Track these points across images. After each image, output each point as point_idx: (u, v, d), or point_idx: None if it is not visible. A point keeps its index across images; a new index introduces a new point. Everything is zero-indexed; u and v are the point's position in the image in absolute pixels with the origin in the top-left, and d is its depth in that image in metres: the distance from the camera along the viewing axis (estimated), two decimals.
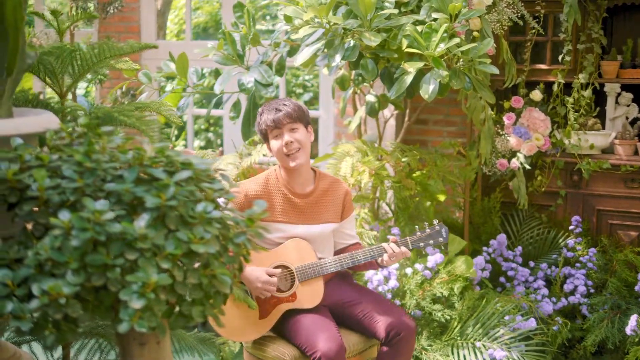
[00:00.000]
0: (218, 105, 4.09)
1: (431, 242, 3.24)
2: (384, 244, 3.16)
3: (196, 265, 1.62)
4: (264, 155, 4.22)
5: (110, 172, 1.63)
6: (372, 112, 4.44)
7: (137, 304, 1.47)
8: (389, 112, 4.94)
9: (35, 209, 1.60)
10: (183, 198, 1.60)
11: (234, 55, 4.00)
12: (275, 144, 3.14)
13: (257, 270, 3.05)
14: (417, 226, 3.33)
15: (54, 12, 2.21)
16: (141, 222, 1.54)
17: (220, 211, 1.66)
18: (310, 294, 3.13)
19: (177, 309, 1.62)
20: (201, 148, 8.20)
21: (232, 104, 4.05)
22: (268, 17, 8.17)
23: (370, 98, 4.43)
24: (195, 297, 1.62)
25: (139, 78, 3.94)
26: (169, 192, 1.58)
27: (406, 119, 4.87)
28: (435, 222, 3.28)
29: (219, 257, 1.66)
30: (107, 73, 5.51)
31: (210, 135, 8.25)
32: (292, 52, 4.14)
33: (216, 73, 4.16)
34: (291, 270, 3.13)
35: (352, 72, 4.45)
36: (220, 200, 1.75)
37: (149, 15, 6.03)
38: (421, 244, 3.24)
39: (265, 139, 3.19)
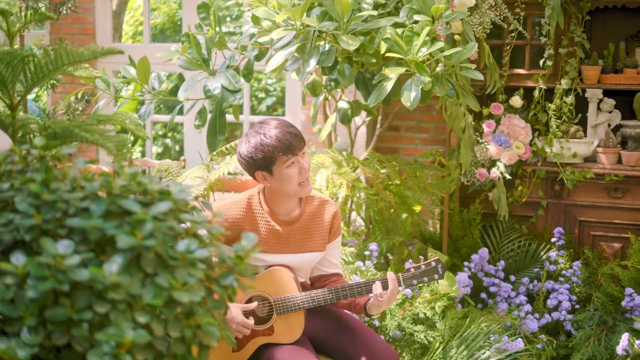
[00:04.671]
0: (180, 112, 3.82)
1: (425, 279, 2.90)
2: (375, 280, 2.83)
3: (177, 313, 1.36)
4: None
5: (73, 205, 1.36)
6: (345, 119, 4.21)
7: None
8: (360, 119, 4.72)
9: None
10: (162, 235, 1.33)
11: (199, 60, 3.73)
12: (288, 172, 2.74)
13: (233, 308, 2.75)
14: (410, 261, 3.01)
15: (3, 13, 1.93)
16: (113, 267, 1.27)
17: (205, 248, 1.40)
18: (288, 330, 2.85)
19: None
20: (158, 155, 7.89)
21: (198, 111, 3.78)
22: (228, 19, 7.89)
23: (343, 105, 4.20)
24: (176, 353, 1.36)
25: (96, 84, 3.62)
26: (146, 228, 1.31)
27: (378, 125, 4.66)
28: (431, 255, 2.96)
29: (204, 304, 1.41)
30: (60, 78, 5.18)
31: (167, 141, 7.93)
32: (260, 55, 3.89)
33: (180, 78, 3.88)
34: (269, 301, 2.85)
35: (324, 78, 4.21)
36: (202, 232, 1.49)
37: (105, 17, 5.71)
38: (414, 282, 2.90)
39: (266, 166, 2.75)
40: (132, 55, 3.72)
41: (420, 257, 2.95)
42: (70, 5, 5.40)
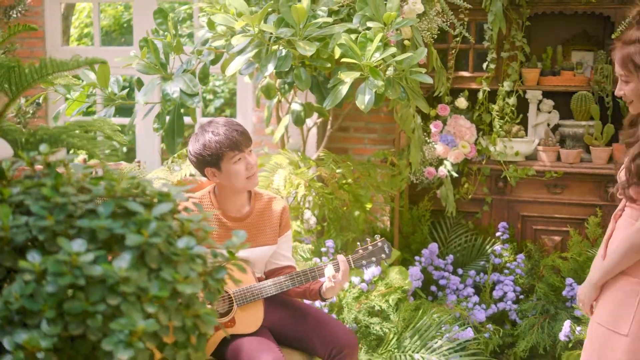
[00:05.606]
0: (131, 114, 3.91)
1: (374, 259, 3.08)
2: (328, 264, 3.02)
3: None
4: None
5: (81, 207, 1.48)
6: (299, 121, 4.34)
7: (124, 354, 1.32)
8: (311, 120, 4.86)
9: None
10: (165, 234, 1.46)
11: (157, 64, 3.83)
12: (235, 167, 2.92)
13: None
14: (358, 242, 3.19)
15: None
16: (122, 263, 1.39)
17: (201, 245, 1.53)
18: (249, 319, 2.99)
19: (159, 355, 1.48)
20: (106, 156, 7.89)
21: (156, 114, 3.87)
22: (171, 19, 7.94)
23: (296, 107, 4.33)
24: (178, 341, 1.49)
25: (56, 89, 3.68)
26: (151, 227, 1.44)
27: (328, 126, 4.81)
28: (377, 237, 3.13)
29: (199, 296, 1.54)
30: None
31: (114, 143, 7.94)
32: (216, 60, 4.00)
33: (138, 82, 3.97)
34: (229, 294, 2.99)
35: (277, 81, 4.34)
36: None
37: (54, 20, 5.74)
38: (363, 262, 3.08)
39: (214, 163, 2.93)
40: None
41: (367, 239, 3.13)
42: (20, 9, 5.43)
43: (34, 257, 1.37)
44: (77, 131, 2.14)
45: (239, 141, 2.92)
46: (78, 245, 1.37)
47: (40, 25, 5.70)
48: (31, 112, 5.45)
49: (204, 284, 1.56)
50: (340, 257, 3.01)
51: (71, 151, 6.97)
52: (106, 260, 1.42)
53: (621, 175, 2.54)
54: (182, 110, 3.81)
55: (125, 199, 1.51)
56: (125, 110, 6.80)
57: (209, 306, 1.64)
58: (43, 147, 1.54)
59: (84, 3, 7.82)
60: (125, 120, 5.60)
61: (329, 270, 2.98)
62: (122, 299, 1.38)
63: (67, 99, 3.78)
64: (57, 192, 1.46)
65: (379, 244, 3.11)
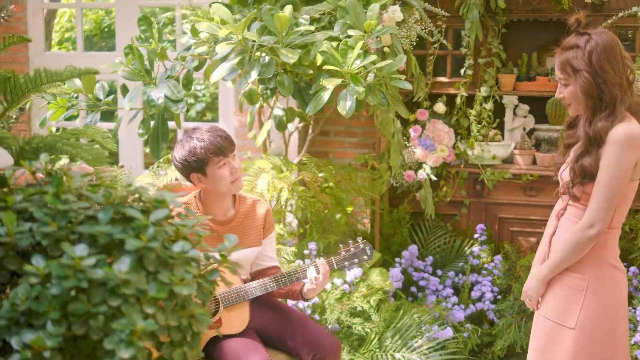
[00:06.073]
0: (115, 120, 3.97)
1: (356, 260, 3.18)
2: (310, 266, 3.12)
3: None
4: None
5: (81, 213, 1.55)
6: (281, 125, 4.43)
7: (125, 353, 1.40)
8: (292, 125, 4.94)
9: None
10: (161, 238, 1.54)
11: (142, 70, 3.89)
12: (220, 172, 3.00)
13: None
14: (341, 245, 3.28)
15: None
16: (122, 266, 1.47)
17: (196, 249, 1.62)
18: (235, 320, 3.07)
19: (156, 353, 1.56)
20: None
21: (141, 120, 3.94)
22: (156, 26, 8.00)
23: (278, 112, 4.42)
24: (174, 339, 1.57)
25: (42, 96, 3.74)
26: (149, 232, 1.52)
27: (310, 131, 4.89)
28: (359, 239, 3.22)
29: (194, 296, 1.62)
30: None
31: (96, 147, 7.98)
32: (199, 66, 4.08)
33: (124, 89, 4.03)
34: (215, 296, 3.06)
35: (260, 86, 4.43)
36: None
37: (37, 25, 5.78)
38: (346, 263, 3.17)
39: (200, 168, 3.01)
40: (67, 64, 3.84)
41: (349, 241, 3.23)
42: (3, 15, 5.46)
43: (38, 262, 1.44)
44: (71, 139, 2.21)
45: (223, 146, 3.01)
46: (80, 249, 1.45)
47: (23, 30, 5.74)
48: (14, 117, 5.49)
49: (198, 286, 1.64)
50: (320, 261, 3.12)
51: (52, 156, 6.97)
52: (106, 263, 1.50)
53: (564, 176, 2.69)
54: (166, 116, 3.88)
55: (123, 205, 1.59)
56: (107, 114, 6.85)
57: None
58: (43, 156, 1.62)
59: (64, 8, 7.84)
60: (107, 126, 5.66)
61: (310, 272, 3.08)
62: (123, 300, 1.46)
63: (49, 103, 3.83)
64: (59, 200, 1.53)
65: (361, 246, 3.20)
